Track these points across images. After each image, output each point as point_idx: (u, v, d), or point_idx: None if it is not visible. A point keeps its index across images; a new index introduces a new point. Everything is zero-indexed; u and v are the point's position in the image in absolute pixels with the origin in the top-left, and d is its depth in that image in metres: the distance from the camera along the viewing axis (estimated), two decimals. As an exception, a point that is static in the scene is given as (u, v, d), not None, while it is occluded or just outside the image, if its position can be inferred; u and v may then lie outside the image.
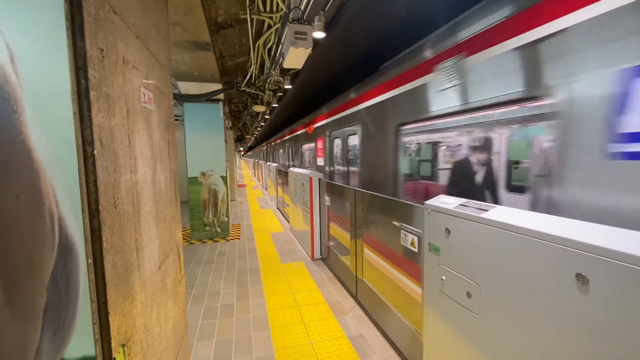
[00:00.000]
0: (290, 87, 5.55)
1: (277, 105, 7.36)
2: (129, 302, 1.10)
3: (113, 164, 1.03)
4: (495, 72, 1.83)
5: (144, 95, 1.37)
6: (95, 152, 0.91)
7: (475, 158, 2.22)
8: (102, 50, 0.98)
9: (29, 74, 0.82)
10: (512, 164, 1.94)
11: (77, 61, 0.88)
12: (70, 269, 0.89)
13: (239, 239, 6.17)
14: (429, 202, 1.88)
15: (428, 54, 2.45)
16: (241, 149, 34.24)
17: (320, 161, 5.80)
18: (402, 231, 2.37)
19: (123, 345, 1.04)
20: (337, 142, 4.96)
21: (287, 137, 9.51)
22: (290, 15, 2.63)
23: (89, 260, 0.91)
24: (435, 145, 2.62)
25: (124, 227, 1.10)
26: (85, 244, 0.90)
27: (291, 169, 6.48)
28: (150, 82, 1.48)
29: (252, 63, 4.63)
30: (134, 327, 1.13)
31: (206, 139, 5.99)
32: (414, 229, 2.22)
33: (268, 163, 13.77)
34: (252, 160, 29.76)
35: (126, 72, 1.17)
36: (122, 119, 1.12)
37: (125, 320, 1.06)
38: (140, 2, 1.40)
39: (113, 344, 0.98)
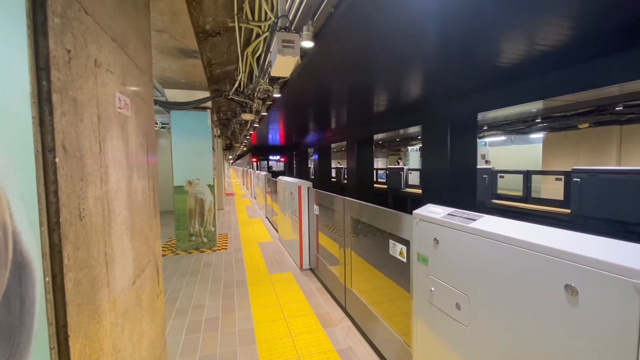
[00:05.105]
0: (279, 95, 5.52)
1: (266, 113, 7.32)
2: (94, 323, 1.02)
3: (79, 173, 0.96)
4: None
5: (120, 100, 1.31)
6: (57, 159, 0.84)
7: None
8: (69, 51, 0.92)
9: (-17, 75, 0.75)
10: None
11: (38, 61, 0.81)
12: (25, 288, 0.80)
13: (225, 249, 6.02)
14: (418, 211, 1.85)
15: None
16: (230, 157, 33.91)
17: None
18: (390, 241, 2.33)
19: (87, 371, 0.95)
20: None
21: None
22: (278, 24, 2.61)
23: (47, 279, 0.82)
24: None
25: (91, 240, 1.02)
26: (43, 260, 0.82)
27: (280, 177, 6.42)
28: (127, 87, 1.42)
29: (241, 71, 4.59)
30: (100, 349, 1.04)
31: (193, 147, 5.88)
32: (403, 237, 2.19)
33: (257, 171, 13.96)
34: (241, 168, 29.58)
35: (98, 75, 1.10)
36: (92, 125, 1.05)
37: (89, 343, 0.97)
38: (118, 4, 1.34)
39: (74, 369, 0.89)
